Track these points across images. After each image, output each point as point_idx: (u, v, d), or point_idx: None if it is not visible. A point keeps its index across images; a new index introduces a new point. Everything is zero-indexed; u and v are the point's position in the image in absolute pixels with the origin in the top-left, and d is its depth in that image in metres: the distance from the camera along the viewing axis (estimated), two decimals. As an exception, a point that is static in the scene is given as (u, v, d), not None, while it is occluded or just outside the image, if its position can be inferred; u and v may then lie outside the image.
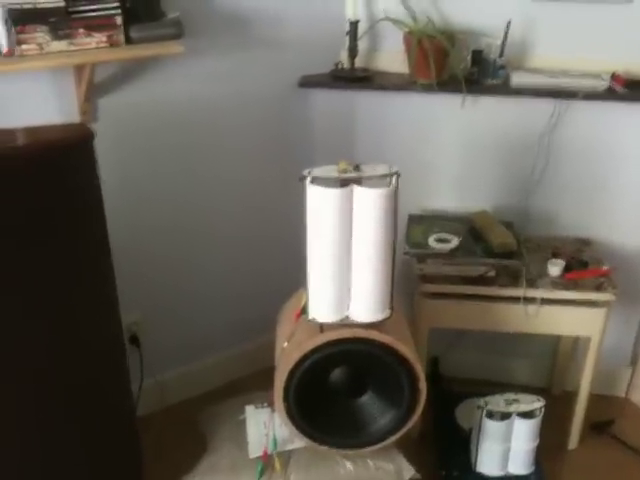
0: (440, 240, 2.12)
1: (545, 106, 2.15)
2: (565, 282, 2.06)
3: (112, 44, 1.78)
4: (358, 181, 1.57)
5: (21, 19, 1.64)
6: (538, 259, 2.15)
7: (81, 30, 1.73)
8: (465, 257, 2.08)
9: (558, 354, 2.48)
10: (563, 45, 2.13)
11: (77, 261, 1.51)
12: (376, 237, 1.60)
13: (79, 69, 1.83)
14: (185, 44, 1.84)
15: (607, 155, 2.22)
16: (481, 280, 2.06)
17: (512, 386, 2.18)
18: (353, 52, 2.23)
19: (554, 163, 2.23)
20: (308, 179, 1.56)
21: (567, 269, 2.08)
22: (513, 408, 1.97)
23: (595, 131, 2.19)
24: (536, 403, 1.98)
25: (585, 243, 2.28)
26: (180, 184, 2.21)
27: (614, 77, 2.09)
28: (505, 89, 2.13)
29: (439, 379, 2.49)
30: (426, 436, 2.24)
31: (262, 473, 1.75)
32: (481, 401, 1.98)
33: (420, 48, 2.07)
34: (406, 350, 1.68)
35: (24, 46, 1.67)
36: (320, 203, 1.57)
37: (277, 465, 1.76)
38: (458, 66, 2.09)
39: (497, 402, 1.98)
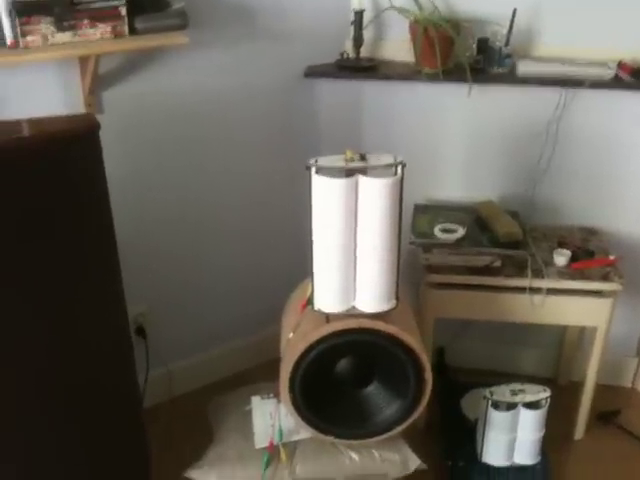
0: (446, 230, 2.12)
1: (551, 95, 2.14)
2: (571, 272, 2.05)
3: (117, 35, 1.77)
4: (363, 171, 1.56)
5: (25, 10, 1.64)
6: (544, 249, 2.15)
7: (85, 21, 1.73)
8: (471, 247, 2.08)
9: (564, 344, 2.48)
10: (569, 33, 2.12)
11: (83, 253, 1.51)
12: (381, 227, 1.59)
13: (84, 60, 1.83)
14: (190, 35, 1.84)
15: (614, 144, 2.20)
16: (487, 270, 2.05)
17: (518, 376, 2.17)
18: (358, 42, 2.22)
19: (560, 152, 2.22)
20: (313, 169, 1.55)
21: (573, 259, 2.08)
22: (519, 398, 1.97)
23: (602, 120, 2.17)
24: (542, 393, 1.98)
25: (591, 232, 2.27)
26: (185, 176, 2.21)
27: (621, 65, 2.08)
28: (511, 78, 2.12)
29: (445, 369, 2.49)
30: (432, 426, 2.25)
31: (268, 463, 1.75)
32: (487, 391, 1.98)
33: (426, 36, 2.06)
34: (412, 340, 1.68)
35: (29, 38, 1.66)
36: (325, 193, 1.56)
37: (283, 456, 1.77)
38: (464, 54, 2.08)
39: (503, 392, 1.98)
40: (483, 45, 2.13)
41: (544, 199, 2.30)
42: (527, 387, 2.00)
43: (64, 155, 1.42)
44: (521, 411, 1.98)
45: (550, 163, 2.24)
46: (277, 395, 1.78)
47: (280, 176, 2.36)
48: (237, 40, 2.12)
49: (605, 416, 2.35)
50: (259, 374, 2.20)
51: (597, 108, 2.16)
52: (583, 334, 2.42)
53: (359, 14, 2.19)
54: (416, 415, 1.77)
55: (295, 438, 1.81)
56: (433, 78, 2.12)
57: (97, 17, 1.73)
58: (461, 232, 2.10)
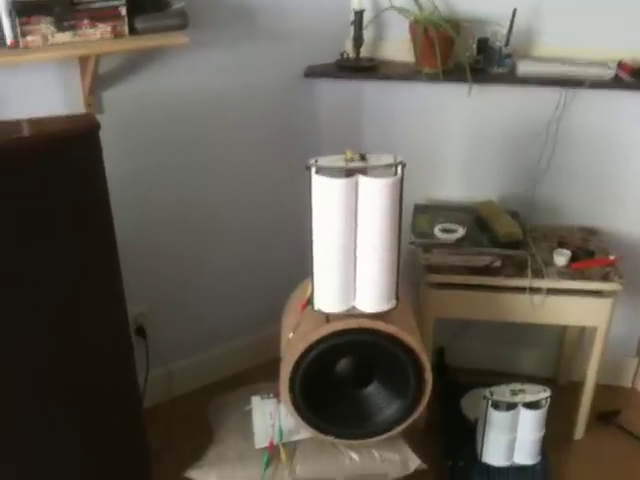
0: (446, 230, 2.12)
1: (551, 95, 2.14)
2: (571, 272, 2.05)
3: (117, 35, 1.77)
4: (363, 171, 1.56)
5: (25, 10, 1.64)
6: (544, 249, 2.15)
7: (85, 21, 1.73)
8: (471, 247, 2.07)
9: (564, 344, 2.48)
10: (569, 33, 2.12)
11: (83, 253, 1.51)
12: (381, 227, 1.59)
13: (84, 60, 1.83)
14: (190, 35, 1.83)
15: (614, 144, 2.20)
16: (487, 270, 2.05)
17: (518, 376, 2.17)
18: (358, 42, 2.22)
19: (560, 152, 2.22)
20: (313, 169, 1.55)
21: (573, 259, 2.08)
22: (519, 398, 1.97)
23: (602, 120, 2.17)
24: (542, 393, 1.98)
25: (591, 232, 2.27)
26: (185, 176, 2.21)
27: (621, 65, 2.08)
28: (511, 78, 2.12)
29: (445, 369, 2.49)
30: (432, 426, 2.25)
31: (268, 463, 1.75)
32: (487, 391, 1.98)
33: (426, 36, 2.06)
34: (412, 340, 1.68)
35: (28, 38, 1.66)
36: (325, 193, 1.56)
37: (283, 456, 1.77)
38: (464, 54, 2.08)
39: (503, 392, 1.98)
40: (483, 45, 2.13)
41: (544, 199, 2.30)
42: (527, 387, 2.00)
43: (64, 155, 1.42)
44: (521, 411, 1.98)
45: (550, 163, 2.24)
46: (277, 395, 1.78)
47: (280, 176, 2.36)
48: (237, 40, 2.12)
49: (605, 416, 2.35)
50: (259, 374, 2.20)
51: (597, 108, 2.16)
52: (583, 334, 2.42)
53: (359, 14, 2.19)
54: (416, 415, 1.77)
55: (295, 438, 1.81)
56: (433, 78, 2.12)
57: (97, 17, 1.73)
58: (461, 232, 2.10)
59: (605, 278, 2.03)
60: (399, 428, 1.78)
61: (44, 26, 1.68)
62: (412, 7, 2.13)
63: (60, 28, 1.70)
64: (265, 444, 1.78)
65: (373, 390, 1.79)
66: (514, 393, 1.98)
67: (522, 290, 2.03)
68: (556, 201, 2.30)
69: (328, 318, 1.69)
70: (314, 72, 2.25)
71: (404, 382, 1.72)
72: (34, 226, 1.40)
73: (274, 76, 2.23)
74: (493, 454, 2.05)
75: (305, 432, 1.80)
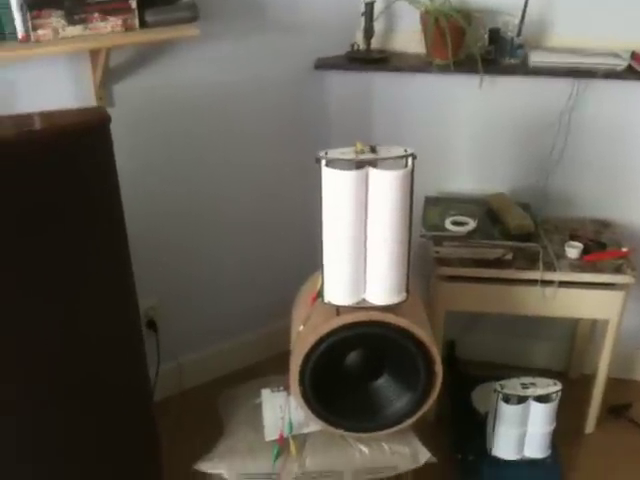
0: (457, 222, 2.11)
1: (564, 86, 2.12)
2: (583, 264, 2.04)
3: (127, 28, 1.78)
4: (374, 163, 1.56)
5: (36, 4, 1.64)
6: (556, 241, 2.13)
7: (96, 14, 1.73)
8: (482, 239, 2.07)
9: (576, 337, 2.47)
10: (582, 24, 2.10)
11: (94, 246, 1.51)
12: (392, 219, 1.59)
13: (95, 54, 1.83)
14: (200, 27, 1.83)
15: (627, 135, 2.18)
16: (498, 263, 2.05)
17: (529, 369, 2.17)
18: (369, 33, 2.21)
19: (573, 143, 2.20)
20: (323, 161, 1.55)
21: (585, 251, 2.06)
22: (529, 392, 1.96)
23: (614, 110, 2.15)
24: (552, 387, 1.97)
25: (603, 224, 2.25)
26: (195, 169, 2.21)
27: (634, 56, 2.06)
28: (523, 69, 2.11)
29: (455, 362, 2.49)
30: (442, 419, 2.25)
31: (278, 456, 1.76)
32: (497, 385, 1.98)
33: (437, 27, 2.04)
34: (422, 333, 1.68)
35: (40, 31, 1.67)
36: (335, 185, 1.56)
37: (293, 448, 1.77)
38: (475, 45, 2.07)
39: (513, 386, 1.98)
40: (495, 35, 2.11)
41: (556, 191, 2.28)
42: (538, 380, 2.00)
43: (75, 148, 1.42)
44: (532, 405, 1.97)
45: (562, 154, 2.22)
46: (287, 388, 1.79)
47: (290, 168, 2.36)
48: (247, 32, 2.11)
49: (616, 409, 2.34)
50: (269, 367, 2.20)
51: (610, 99, 2.14)
52: (595, 327, 2.40)
53: (370, 5, 2.18)
54: (426, 408, 1.77)
55: (305, 431, 1.81)
56: (444, 69, 2.11)
57: (107, 10, 1.74)
58: (472, 224, 2.10)
59: (617, 270, 2.01)
60: (409, 421, 1.78)
61: (55, 20, 1.68)
62: (423, -2, 2.12)
63: (71, 22, 1.70)
64: (275, 437, 1.78)
65: (383, 383, 1.79)
66: (525, 386, 1.98)
67: (534, 283, 2.02)
68: (568, 193, 2.29)
69: (338, 311, 1.69)
70: (324, 64, 2.25)
71: (414, 375, 1.72)
72: (45, 219, 1.40)
73: (284, 68, 2.22)
74: (503, 448, 2.04)
75: (315, 425, 1.80)
